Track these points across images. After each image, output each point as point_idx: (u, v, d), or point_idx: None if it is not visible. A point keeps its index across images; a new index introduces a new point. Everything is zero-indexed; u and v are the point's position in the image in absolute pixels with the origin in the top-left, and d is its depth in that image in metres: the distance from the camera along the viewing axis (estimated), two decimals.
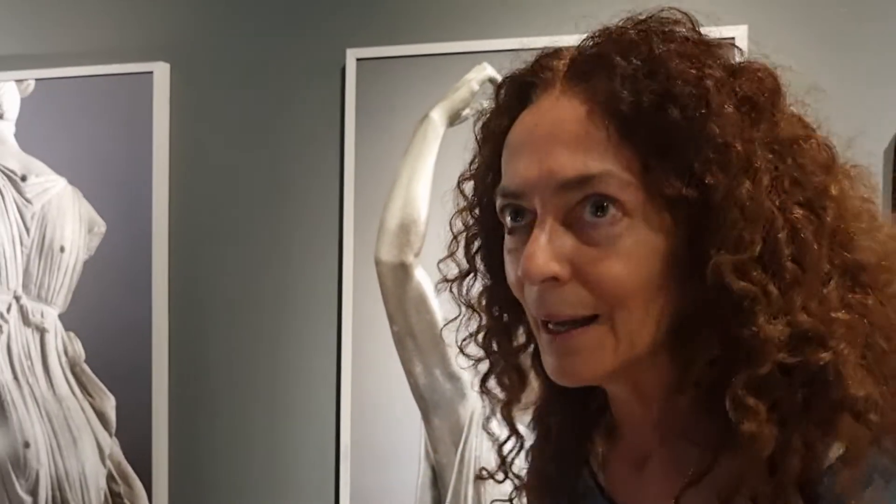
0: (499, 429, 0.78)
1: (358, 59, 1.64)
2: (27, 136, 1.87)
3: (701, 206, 0.56)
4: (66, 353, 1.85)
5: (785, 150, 0.57)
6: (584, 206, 0.58)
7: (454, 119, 1.60)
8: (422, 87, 1.61)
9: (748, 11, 1.45)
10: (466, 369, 0.77)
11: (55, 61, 1.85)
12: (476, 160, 0.70)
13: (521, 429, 0.77)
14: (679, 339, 0.59)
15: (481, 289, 0.73)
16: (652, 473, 0.67)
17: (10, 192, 1.88)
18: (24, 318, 1.88)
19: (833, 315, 0.56)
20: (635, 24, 0.61)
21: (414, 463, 1.62)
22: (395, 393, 1.63)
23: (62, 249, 1.84)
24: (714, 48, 0.60)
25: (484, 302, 0.73)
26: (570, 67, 0.62)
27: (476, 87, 1.58)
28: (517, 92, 0.65)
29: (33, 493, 1.87)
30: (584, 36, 0.62)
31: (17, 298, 1.88)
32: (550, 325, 0.60)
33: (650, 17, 0.61)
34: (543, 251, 0.58)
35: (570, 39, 0.64)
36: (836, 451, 0.56)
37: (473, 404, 1.58)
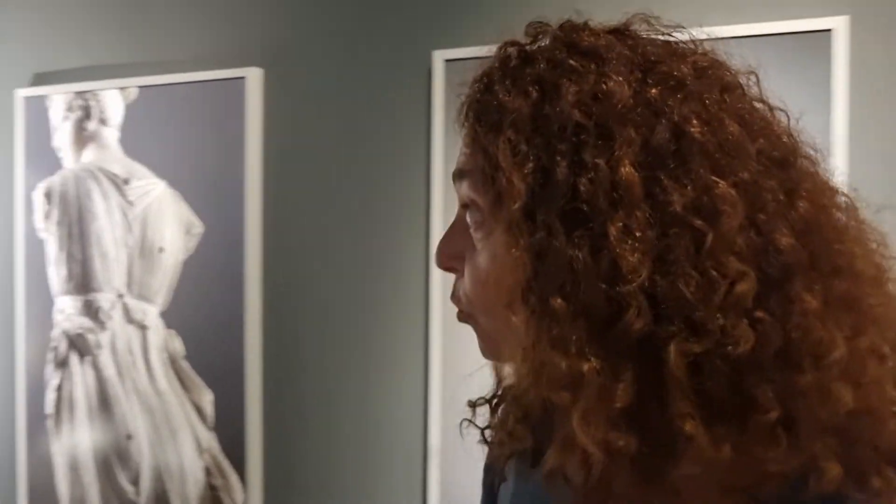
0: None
1: (446, 61, 1.64)
2: (130, 141, 1.95)
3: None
4: (166, 349, 1.92)
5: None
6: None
7: None
8: None
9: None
10: None
11: (156, 69, 1.92)
12: None
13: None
14: None
15: None
16: None
17: (114, 195, 1.97)
18: (128, 316, 1.96)
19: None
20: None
21: None
22: (483, 393, 1.62)
23: (161, 250, 1.91)
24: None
25: None
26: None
27: None
28: None
29: (135, 483, 1.96)
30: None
31: (121, 297, 1.97)
32: None
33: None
34: (442, 243, 0.64)
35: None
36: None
37: None
